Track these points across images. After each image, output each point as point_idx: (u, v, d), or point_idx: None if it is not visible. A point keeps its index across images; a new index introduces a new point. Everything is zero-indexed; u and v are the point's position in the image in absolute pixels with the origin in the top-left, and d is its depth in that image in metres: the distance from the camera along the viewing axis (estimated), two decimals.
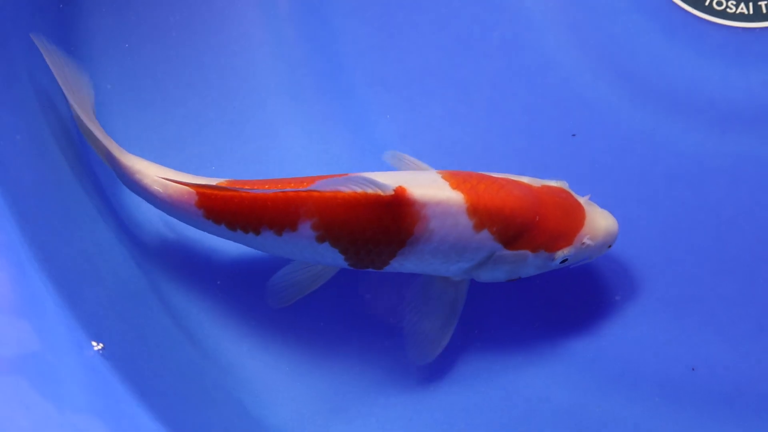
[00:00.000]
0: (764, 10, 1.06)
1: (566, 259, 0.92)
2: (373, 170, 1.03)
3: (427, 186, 0.88)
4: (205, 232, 0.94)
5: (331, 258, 0.90)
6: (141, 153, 1.03)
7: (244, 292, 1.00)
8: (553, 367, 0.98)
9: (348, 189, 0.86)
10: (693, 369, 0.97)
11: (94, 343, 0.85)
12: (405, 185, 0.88)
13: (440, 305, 0.94)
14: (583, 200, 0.93)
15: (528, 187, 0.91)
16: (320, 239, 0.89)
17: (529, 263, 0.91)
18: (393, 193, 0.86)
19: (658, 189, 1.01)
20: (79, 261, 0.92)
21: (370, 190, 0.86)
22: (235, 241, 0.93)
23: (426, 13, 1.07)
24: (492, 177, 0.91)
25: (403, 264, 0.91)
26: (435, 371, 0.98)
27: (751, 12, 1.06)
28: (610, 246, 0.93)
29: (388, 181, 0.88)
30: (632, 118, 1.04)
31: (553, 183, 0.94)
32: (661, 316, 0.99)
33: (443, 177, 0.90)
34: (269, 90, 1.06)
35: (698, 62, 1.05)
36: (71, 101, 0.95)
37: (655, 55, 1.05)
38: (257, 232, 0.90)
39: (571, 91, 1.05)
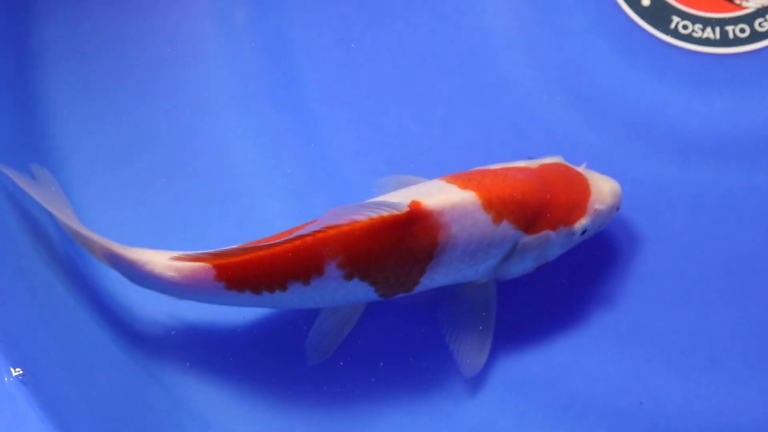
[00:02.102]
0: (731, 36, 1.03)
1: (585, 230, 0.92)
2: (325, 185, 1.02)
3: (438, 193, 0.88)
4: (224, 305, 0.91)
5: (362, 293, 0.89)
6: (90, 165, 1.02)
7: (190, 306, 0.97)
8: (501, 396, 0.96)
9: (363, 216, 0.85)
10: (641, 403, 0.95)
11: (12, 369, 0.83)
12: (417, 198, 0.87)
13: (475, 310, 0.93)
14: (581, 169, 0.94)
15: (529, 170, 0.92)
16: (348, 277, 0.87)
17: (552, 243, 0.91)
18: (408, 209, 0.86)
19: (614, 218, 0.99)
20: (12, 280, 0.90)
21: (385, 213, 0.85)
22: (260, 305, 0.90)
23: (383, 29, 1.05)
24: (492, 169, 0.92)
25: (434, 278, 0.90)
26: (376, 401, 0.96)
27: (718, 37, 1.03)
28: (618, 208, 0.94)
29: (398, 199, 0.87)
30: (590, 143, 1.01)
31: (549, 160, 0.94)
32: (611, 347, 0.97)
33: (448, 182, 0.90)
34: (222, 103, 1.04)
35: (660, 88, 1.02)
36: (60, 218, 0.90)
37: (615, 78, 1.03)
38: (284, 289, 0.87)
39: (527, 112, 1.02)
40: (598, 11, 1.04)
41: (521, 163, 0.93)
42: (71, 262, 0.98)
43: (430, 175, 1.00)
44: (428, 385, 0.96)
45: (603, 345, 0.97)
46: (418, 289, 0.90)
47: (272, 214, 1.01)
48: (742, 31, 1.03)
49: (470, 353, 0.93)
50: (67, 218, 0.90)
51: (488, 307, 0.93)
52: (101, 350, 0.95)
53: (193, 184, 1.02)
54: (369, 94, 1.04)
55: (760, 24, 1.03)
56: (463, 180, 0.89)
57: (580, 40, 1.04)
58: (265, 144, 1.04)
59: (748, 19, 1.03)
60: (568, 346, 0.97)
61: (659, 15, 1.04)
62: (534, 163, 0.93)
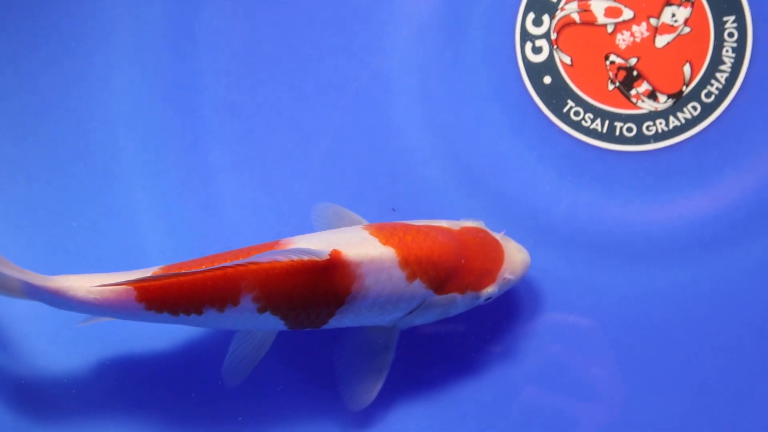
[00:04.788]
0: (617, 132, 1.05)
1: (490, 297, 0.97)
2: (199, 194, 1.06)
3: (359, 245, 0.93)
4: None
5: (272, 324, 0.95)
6: None
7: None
8: None
9: (285, 257, 0.90)
10: None
11: None
12: (338, 248, 0.92)
13: (373, 352, 0.99)
14: (499, 236, 0.99)
15: (450, 232, 0.96)
16: (261, 310, 0.92)
17: (458, 304, 0.97)
18: (328, 257, 0.91)
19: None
20: None
21: (306, 258, 0.90)
22: (176, 324, 0.95)
23: (291, 50, 1.07)
24: (415, 226, 0.97)
25: (341, 321, 0.95)
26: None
27: (605, 131, 1.05)
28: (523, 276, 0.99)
29: (320, 244, 0.93)
30: (454, 207, 1.04)
31: (470, 223, 0.99)
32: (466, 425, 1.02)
33: (371, 233, 0.95)
34: (114, 93, 1.07)
35: (536, 168, 1.04)
36: None
37: (497, 149, 1.05)
38: (199, 313, 0.93)
39: (406, 163, 1.05)
40: (499, 79, 1.05)
41: (444, 223, 0.98)
42: None
43: (296, 202, 1.05)
44: (320, 414, 1.02)
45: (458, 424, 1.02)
46: (326, 327, 0.96)
47: (143, 210, 1.06)
48: (629, 130, 1.05)
49: (360, 389, 0.99)
50: None
51: (387, 350, 0.99)
52: None
53: (72, 185, 1.06)
54: (261, 110, 1.07)
55: (647, 127, 1.05)
56: (386, 234, 0.94)
57: (474, 104, 1.05)
58: (150, 139, 1.07)
59: (638, 119, 1.05)
60: (451, 397, 1.03)
61: (556, 95, 1.05)
62: (456, 225, 0.98)
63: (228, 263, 0.90)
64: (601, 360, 1.01)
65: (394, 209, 1.05)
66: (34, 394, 1.02)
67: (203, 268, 0.90)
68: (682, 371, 1.00)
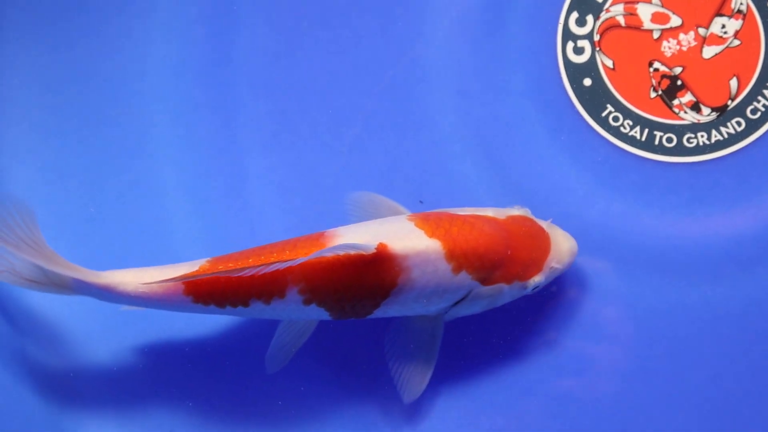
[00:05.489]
0: (656, 142, 1.02)
1: (537, 286, 0.96)
2: (229, 179, 1.05)
3: (405, 237, 0.92)
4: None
5: (317, 314, 0.94)
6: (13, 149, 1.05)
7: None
8: (433, 423, 1.01)
9: (332, 255, 0.90)
10: None
11: None
12: (385, 241, 0.91)
13: (420, 342, 0.98)
14: (545, 225, 0.97)
15: (496, 222, 0.95)
16: (307, 302, 0.92)
17: (504, 294, 0.96)
18: (375, 251, 0.90)
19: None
20: None
21: (352, 252, 0.90)
22: (222, 315, 0.95)
23: (329, 31, 1.06)
24: (462, 216, 0.95)
25: (386, 311, 0.95)
26: (313, 414, 1.02)
27: (643, 139, 1.02)
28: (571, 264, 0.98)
29: (366, 236, 0.92)
30: (484, 204, 1.02)
31: (516, 212, 0.98)
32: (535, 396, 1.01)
33: (417, 225, 0.93)
34: (153, 65, 1.07)
35: (570, 171, 1.02)
36: (25, 256, 0.90)
37: (530, 149, 1.03)
38: (246, 305, 0.93)
39: (436, 156, 1.03)
40: (538, 77, 1.03)
41: (489, 212, 0.97)
42: None
43: (322, 187, 1.04)
44: (367, 403, 1.01)
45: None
46: (370, 317, 0.95)
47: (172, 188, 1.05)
48: (669, 140, 1.02)
49: (411, 380, 0.98)
50: (38, 250, 0.91)
51: (434, 339, 0.98)
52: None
53: (101, 155, 1.05)
54: (296, 91, 1.05)
55: (688, 139, 1.02)
56: (432, 226, 0.93)
57: (510, 101, 1.03)
58: (181, 113, 1.06)
59: (679, 130, 1.02)
60: (501, 384, 1.01)
61: (595, 99, 1.03)
62: (502, 214, 0.97)
63: (276, 263, 0.88)
64: (622, 370, 0.99)
65: (421, 201, 1.02)
66: (70, 378, 1.02)
67: (251, 267, 0.88)
68: (704, 389, 0.97)
